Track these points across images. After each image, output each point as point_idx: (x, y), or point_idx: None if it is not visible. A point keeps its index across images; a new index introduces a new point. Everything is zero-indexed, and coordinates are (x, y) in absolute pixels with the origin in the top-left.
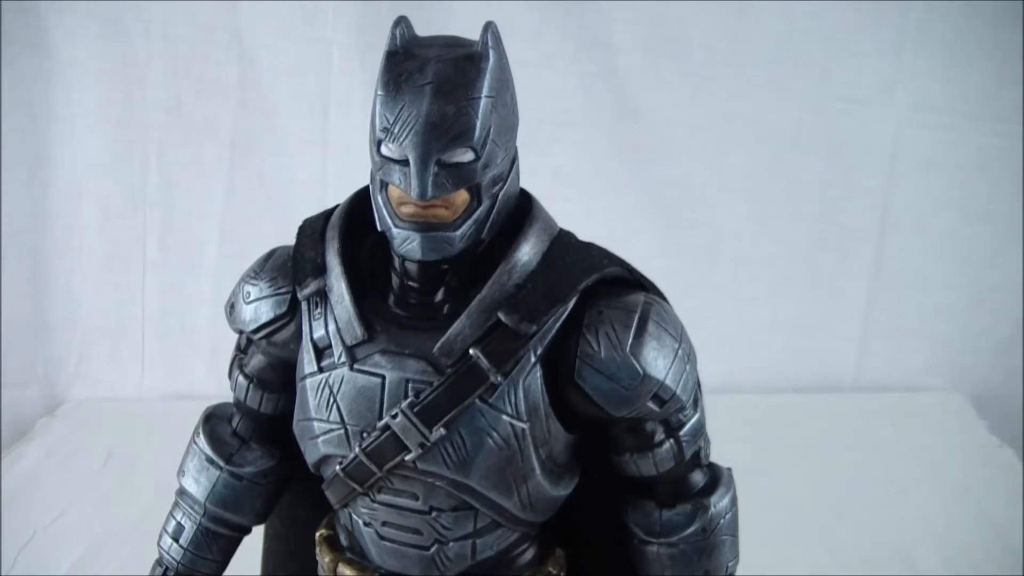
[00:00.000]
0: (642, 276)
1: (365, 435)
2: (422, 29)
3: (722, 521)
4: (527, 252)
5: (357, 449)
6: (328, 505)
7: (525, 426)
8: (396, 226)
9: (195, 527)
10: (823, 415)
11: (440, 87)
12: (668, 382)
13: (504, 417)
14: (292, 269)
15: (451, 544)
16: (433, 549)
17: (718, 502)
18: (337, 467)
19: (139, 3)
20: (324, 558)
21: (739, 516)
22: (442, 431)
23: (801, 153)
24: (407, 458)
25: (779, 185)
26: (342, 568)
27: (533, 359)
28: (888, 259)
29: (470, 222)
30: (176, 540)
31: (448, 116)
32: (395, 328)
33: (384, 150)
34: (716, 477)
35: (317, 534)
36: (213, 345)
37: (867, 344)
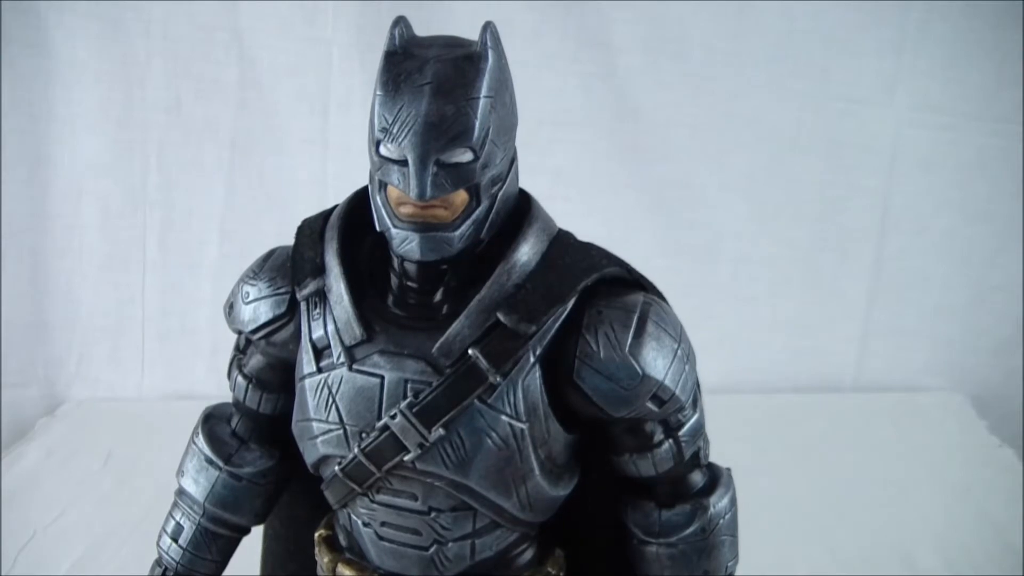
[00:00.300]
0: (641, 276)
1: (364, 435)
2: (422, 29)
3: (721, 521)
4: (526, 252)
5: (356, 449)
6: (327, 505)
7: (524, 426)
8: (395, 226)
9: (194, 527)
10: (823, 415)
11: (439, 87)
12: (667, 382)
13: (503, 417)
14: (291, 269)
15: (450, 544)
16: (432, 549)
17: (717, 502)
18: (336, 467)
19: (139, 3)
20: (323, 558)
21: (739, 516)
22: (441, 431)
23: (801, 153)
24: (406, 458)
25: (779, 185)
26: (341, 568)
27: (532, 359)
28: (888, 259)
29: (469, 222)
30: (175, 540)
31: (447, 116)
32: (394, 328)
33: (383, 150)
34: (715, 477)
35: (316, 534)
36: (213, 345)
37: (867, 344)
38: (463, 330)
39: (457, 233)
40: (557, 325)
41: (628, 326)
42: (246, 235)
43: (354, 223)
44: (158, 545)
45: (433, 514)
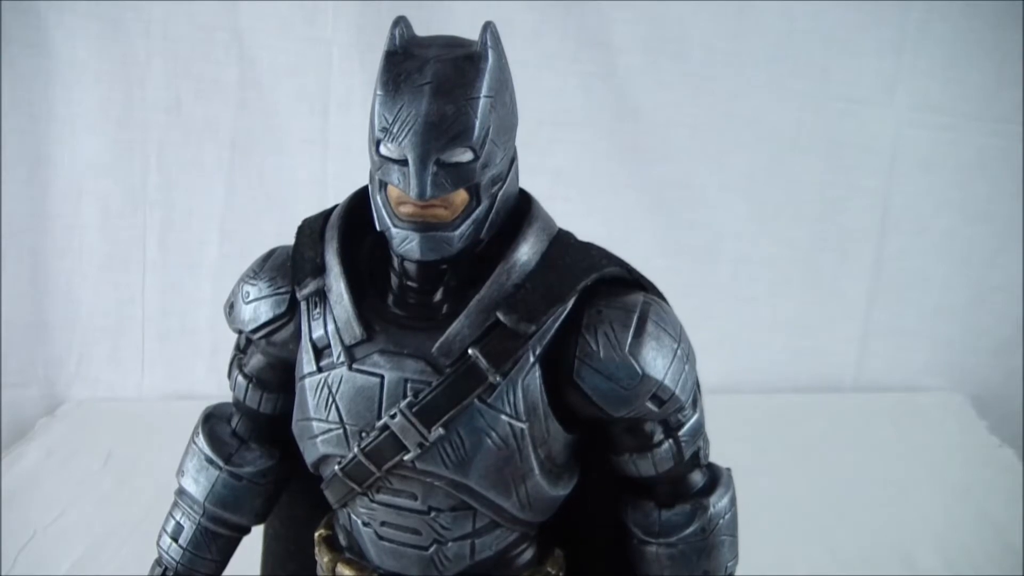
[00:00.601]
0: (641, 276)
1: (364, 435)
2: (422, 29)
3: (721, 521)
4: (526, 252)
5: (356, 449)
6: (327, 505)
7: (524, 426)
8: (395, 226)
9: (194, 527)
10: (823, 415)
11: (439, 87)
12: (667, 382)
13: (503, 417)
14: (291, 269)
15: (450, 544)
16: (432, 549)
17: (717, 502)
18: (336, 467)
19: (139, 3)
20: (323, 558)
21: (739, 516)
22: (441, 431)
23: (801, 153)
24: (406, 458)
25: (779, 185)
26: (341, 568)
27: (532, 359)
28: (888, 259)
29: (469, 222)
30: (175, 540)
31: (447, 116)
32: (394, 328)
33: (383, 150)
34: (715, 477)
35: (316, 534)
36: (213, 345)
37: (867, 344)
38: (463, 330)
39: (457, 233)
40: (557, 325)
41: (628, 326)
42: (246, 235)
43: (354, 223)
44: (158, 545)
45: (433, 514)
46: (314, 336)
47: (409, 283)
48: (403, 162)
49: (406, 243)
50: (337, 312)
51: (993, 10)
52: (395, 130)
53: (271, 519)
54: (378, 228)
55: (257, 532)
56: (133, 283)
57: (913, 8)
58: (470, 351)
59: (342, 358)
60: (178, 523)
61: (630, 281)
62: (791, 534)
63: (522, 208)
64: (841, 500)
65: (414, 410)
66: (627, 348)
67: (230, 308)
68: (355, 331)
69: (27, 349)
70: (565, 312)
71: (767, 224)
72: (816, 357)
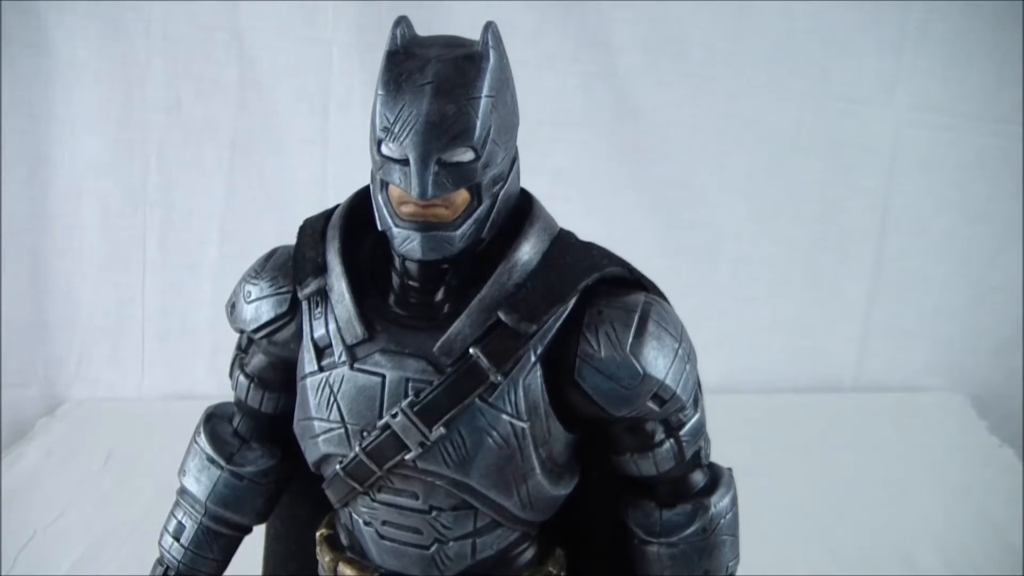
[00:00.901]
0: (642, 276)
1: (365, 434)
2: (422, 29)
3: (722, 521)
4: (527, 251)
5: (357, 448)
6: (328, 504)
7: (525, 425)
8: (396, 225)
9: (196, 526)
10: (823, 415)
11: (440, 87)
12: (668, 382)
13: (504, 416)
14: (293, 268)
15: (451, 543)
16: (433, 548)
17: (718, 502)
18: (337, 466)
19: (139, 3)
20: (324, 557)
21: (739, 516)
22: (442, 430)
23: (801, 153)
24: (407, 457)
25: (779, 185)
26: (342, 567)
27: (533, 358)
28: (888, 259)
29: (470, 221)
30: (177, 539)
31: (448, 115)
32: (395, 327)
33: (384, 149)
34: (716, 477)
35: (317, 533)
36: (213, 345)
37: (867, 344)
38: (464, 329)
39: (458, 232)
40: (558, 324)
41: (629, 325)
42: (246, 235)
43: (356, 223)
44: (160, 544)
45: (434, 513)
46: (315, 335)
47: (410, 283)
48: (404, 162)
49: (407, 243)
50: (339, 311)
51: (993, 10)
52: (396, 130)
53: (272, 518)
54: (379, 228)
55: (259, 531)
56: (133, 283)
57: (913, 8)
58: (471, 350)
59: (343, 357)
60: (180, 522)
61: (631, 281)
62: (791, 534)
63: (523, 208)
64: (841, 500)
65: (415, 409)
66: (628, 348)
67: (232, 308)
68: (356, 330)
69: (27, 349)
70: (566, 312)
71: (767, 224)
72: (816, 357)
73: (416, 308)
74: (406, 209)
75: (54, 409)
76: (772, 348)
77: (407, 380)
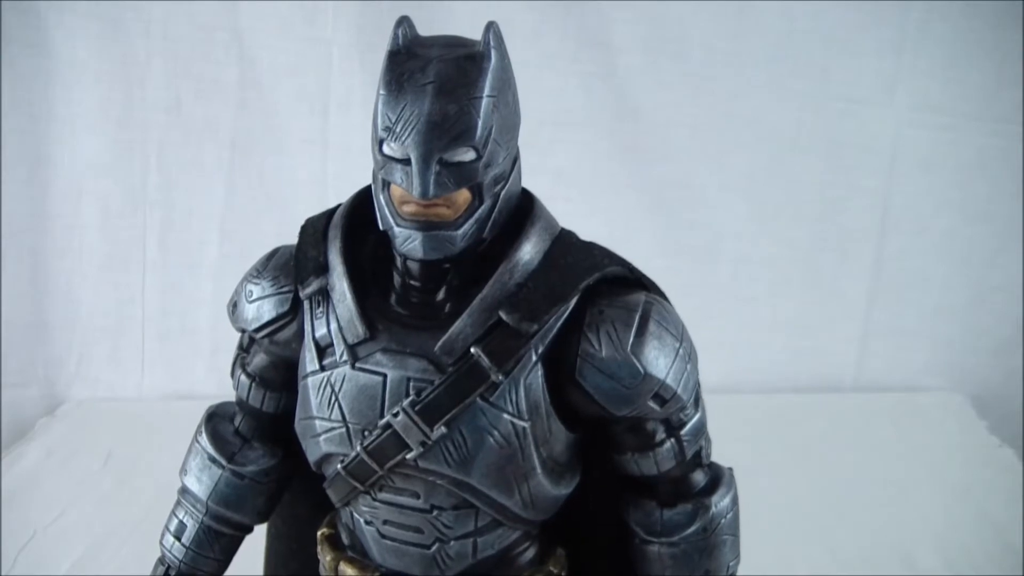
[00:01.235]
0: (643, 275)
1: (366, 433)
2: (423, 29)
3: (723, 521)
4: (529, 251)
5: (358, 447)
6: (329, 504)
7: (526, 425)
8: (398, 225)
9: (197, 526)
10: (823, 415)
11: (442, 86)
12: (669, 381)
13: (505, 416)
14: (294, 268)
15: (452, 543)
16: (434, 548)
17: (719, 502)
18: (338, 465)
19: (139, 3)
20: (325, 557)
21: (739, 516)
22: (443, 429)
23: (801, 153)
24: (408, 456)
25: (779, 185)
26: (343, 567)
27: (534, 358)
28: (888, 259)
29: (472, 221)
30: (178, 539)
31: (450, 115)
32: (397, 327)
33: (386, 149)
34: (717, 477)
35: (319, 533)
36: (213, 345)
37: (867, 344)
38: (465, 328)
39: (460, 232)
40: (559, 324)
41: (630, 325)
42: (246, 235)
43: (357, 222)
44: (161, 543)
45: (435, 512)
46: (317, 335)
47: (412, 282)
48: (406, 161)
49: (409, 242)
50: (340, 311)
51: (993, 10)
52: (398, 129)
53: (274, 518)
54: (381, 227)
55: (260, 531)
56: (133, 283)
57: (913, 8)
58: (472, 350)
59: (345, 357)
60: (181, 522)
61: (632, 280)
62: (791, 534)
63: (525, 207)
64: (841, 500)
65: (416, 409)
66: (629, 347)
67: (233, 307)
68: (358, 330)
69: (27, 349)
70: (567, 311)
71: (767, 224)
72: (816, 357)
73: (417, 307)
74: (408, 209)
75: (54, 409)
76: (772, 348)
77: (408, 379)
